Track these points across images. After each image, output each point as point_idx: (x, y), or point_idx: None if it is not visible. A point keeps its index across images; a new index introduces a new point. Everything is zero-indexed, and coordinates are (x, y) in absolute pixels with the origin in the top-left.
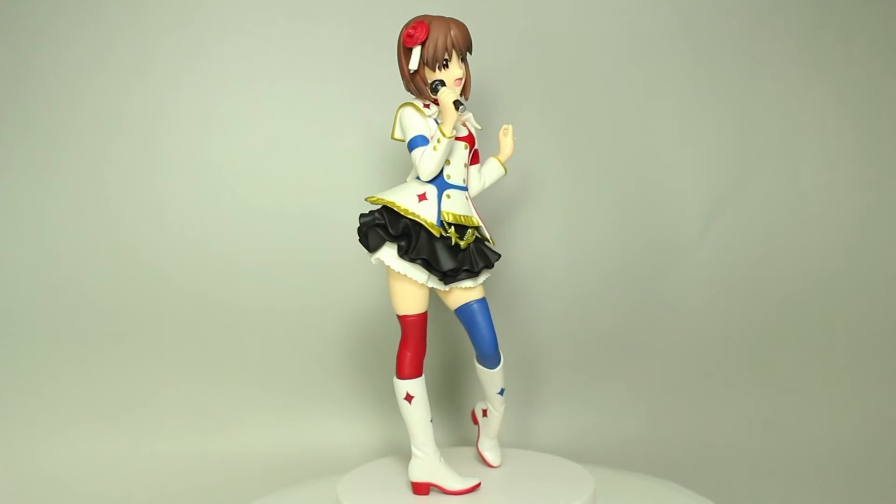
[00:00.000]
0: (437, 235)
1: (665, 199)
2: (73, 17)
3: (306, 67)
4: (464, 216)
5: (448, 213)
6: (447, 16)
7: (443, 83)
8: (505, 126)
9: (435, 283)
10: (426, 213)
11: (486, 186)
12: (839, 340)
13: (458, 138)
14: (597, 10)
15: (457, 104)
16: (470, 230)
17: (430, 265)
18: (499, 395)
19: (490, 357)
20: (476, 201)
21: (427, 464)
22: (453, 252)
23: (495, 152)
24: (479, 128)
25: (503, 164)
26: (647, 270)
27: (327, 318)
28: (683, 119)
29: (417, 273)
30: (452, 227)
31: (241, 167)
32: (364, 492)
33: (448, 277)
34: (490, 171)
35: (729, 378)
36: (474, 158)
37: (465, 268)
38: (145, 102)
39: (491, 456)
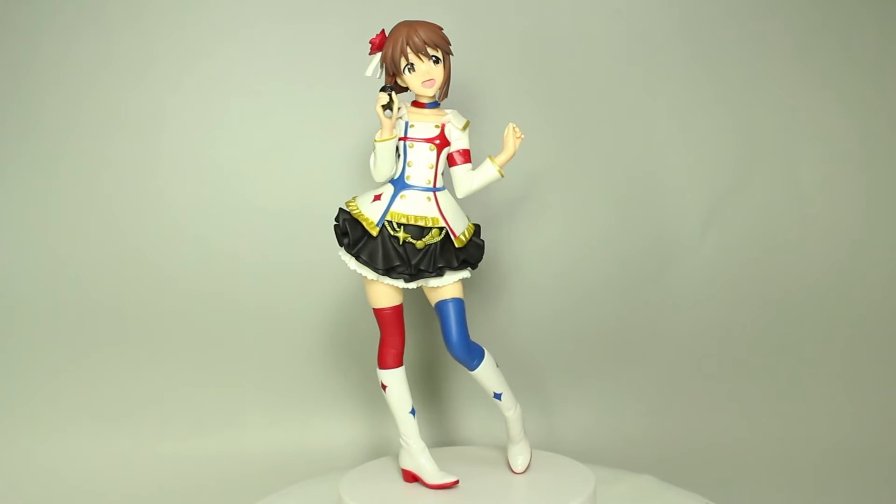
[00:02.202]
0: (375, 234)
1: (665, 198)
2: (73, 17)
3: (306, 67)
4: (421, 217)
5: (398, 214)
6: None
7: (389, 88)
8: (510, 125)
9: (392, 279)
10: (370, 213)
11: (474, 188)
12: (839, 340)
13: (423, 139)
14: (597, 10)
15: (385, 108)
16: (434, 230)
17: (368, 262)
18: (496, 399)
19: (459, 359)
20: (467, 202)
21: (409, 454)
22: (403, 251)
23: (495, 152)
24: (460, 127)
25: (499, 168)
26: (647, 270)
27: (327, 318)
28: (683, 118)
29: (367, 270)
30: (402, 228)
31: (242, 166)
32: (366, 489)
33: (393, 273)
34: (482, 173)
35: (729, 378)
36: (465, 158)
37: (421, 267)
38: (146, 102)
39: (515, 461)
